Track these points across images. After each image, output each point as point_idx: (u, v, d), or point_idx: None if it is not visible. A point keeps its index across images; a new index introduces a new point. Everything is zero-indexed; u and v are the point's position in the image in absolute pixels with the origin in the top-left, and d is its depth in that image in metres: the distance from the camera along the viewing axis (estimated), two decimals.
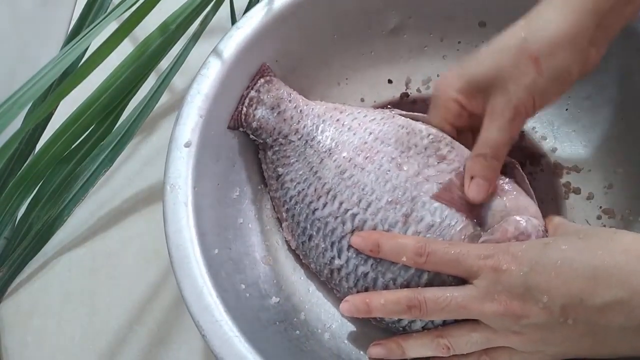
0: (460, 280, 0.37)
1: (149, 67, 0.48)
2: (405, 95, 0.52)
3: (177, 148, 0.42)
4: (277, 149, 0.45)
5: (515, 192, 0.40)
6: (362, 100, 0.52)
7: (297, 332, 0.42)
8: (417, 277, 0.38)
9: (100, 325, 0.50)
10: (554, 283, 0.33)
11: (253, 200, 0.46)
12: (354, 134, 0.43)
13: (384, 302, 0.38)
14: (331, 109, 0.45)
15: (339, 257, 0.41)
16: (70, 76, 0.43)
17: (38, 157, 0.45)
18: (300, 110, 0.45)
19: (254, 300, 0.42)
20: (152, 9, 0.45)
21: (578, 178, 0.47)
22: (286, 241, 0.45)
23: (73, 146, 0.47)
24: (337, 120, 0.44)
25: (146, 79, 0.49)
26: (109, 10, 0.46)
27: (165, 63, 0.50)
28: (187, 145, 0.42)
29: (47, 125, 0.52)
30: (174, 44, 0.50)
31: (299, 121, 0.44)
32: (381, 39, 0.50)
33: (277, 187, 0.45)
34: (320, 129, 0.44)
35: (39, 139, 0.52)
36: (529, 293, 0.34)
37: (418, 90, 0.52)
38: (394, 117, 0.44)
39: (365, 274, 0.40)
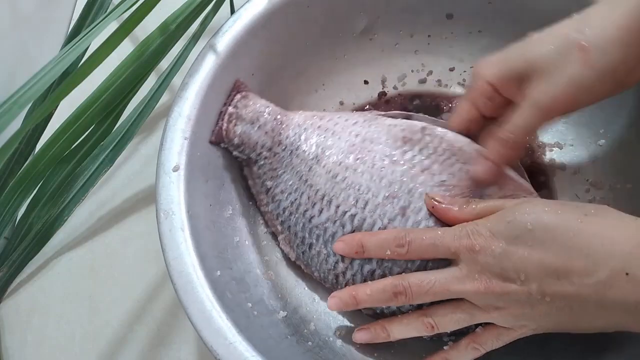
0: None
1: (149, 67, 0.48)
2: (382, 94, 0.52)
3: (165, 173, 0.41)
4: (262, 162, 0.44)
5: (508, 175, 0.41)
6: (342, 103, 0.52)
7: (310, 343, 0.42)
8: (422, 267, 0.38)
9: (100, 325, 0.50)
10: (529, 261, 0.34)
11: (246, 217, 0.46)
12: (339, 138, 0.43)
13: (370, 292, 0.38)
14: (310, 116, 0.45)
15: (343, 260, 0.41)
16: (70, 76, 0.43)
17: (38, 157, 0.45)
18: (280, 122, 0.45)
19: (263, 317, 0.41)
20: (152, 9, 0.45)
21: (562, 154, 0.48)
22: (284, 254, 0.45)
23: (73, 146, 0.47)
24: (319, 127, 0.44)
25: (146, 79, 0.49)
26: (109, 10, 0.46)
27: (165, 63, 0.50)
28: (175, 169, 0.41)
29: (47, 125, 0.52)
30: (174, 44, 0.49)
31: (280, 132, 0.44)
32: (353, 41, 0.51)
33: (267, 201, 0.45)
34: (303, 137, 0.44)
35: (39, 139, 0.51)
36: (506, 272, 0.34)
37: (395, 87, 0.52)
38: (376, 118, 0.44)
39: (372, 272, 0.40)
